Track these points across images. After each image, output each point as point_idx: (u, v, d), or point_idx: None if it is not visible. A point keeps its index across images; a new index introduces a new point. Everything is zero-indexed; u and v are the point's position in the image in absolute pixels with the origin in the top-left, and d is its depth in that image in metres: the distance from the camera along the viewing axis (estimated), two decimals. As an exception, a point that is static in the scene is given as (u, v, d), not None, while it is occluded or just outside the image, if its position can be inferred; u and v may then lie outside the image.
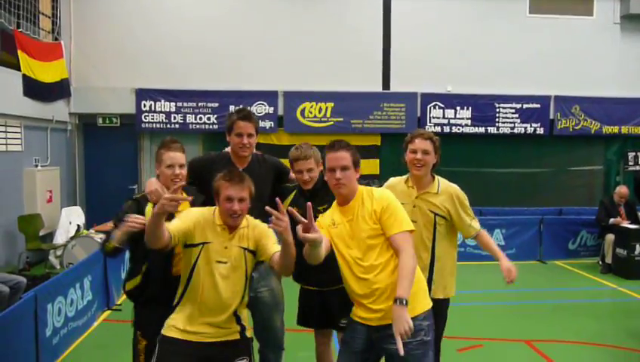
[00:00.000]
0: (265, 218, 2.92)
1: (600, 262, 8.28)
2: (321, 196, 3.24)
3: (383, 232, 2.60)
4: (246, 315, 2.86)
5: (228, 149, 3.39)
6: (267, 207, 2.43)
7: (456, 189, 3.19)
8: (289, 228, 2.43)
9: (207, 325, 2.67)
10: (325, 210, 3.00)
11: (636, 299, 6.74)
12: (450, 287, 3.24)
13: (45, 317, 4.37)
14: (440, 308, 3.06)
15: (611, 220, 8.14)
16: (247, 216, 2.76)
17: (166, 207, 2.40)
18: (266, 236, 2.74)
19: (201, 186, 3.15)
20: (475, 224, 3.22)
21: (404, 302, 2.40)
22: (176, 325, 2.68)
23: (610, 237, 8.05)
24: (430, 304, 2.69)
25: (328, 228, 2.72)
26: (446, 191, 3.15)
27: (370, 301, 2.60)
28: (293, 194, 3.36)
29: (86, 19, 9.57)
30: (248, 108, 8.45)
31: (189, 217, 2.67)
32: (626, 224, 8.02)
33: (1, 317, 3.73)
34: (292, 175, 3.40)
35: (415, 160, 3.06)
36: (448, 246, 3.20)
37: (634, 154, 10.56)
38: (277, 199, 2.46)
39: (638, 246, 7.68)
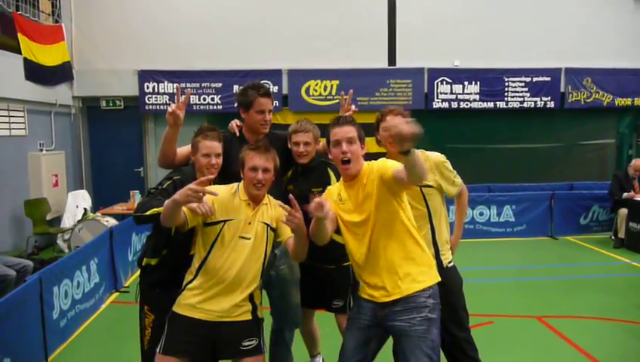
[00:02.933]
0: (279, 191, 2.94)
1: (612, 237, 8.15)
2: (316, 177, 3.28)
3: (386, 190, 2.53)
4: (259, 293, 2.80)
5: (232, 125, 3.32)
6: (279, 203, 2.62)
7: (436, 157, 3.08)
8: (303, 223, 2.47)
9: (222, 303, 2.62)
10: (320, 193, 2.95)
11: (650, 273, 6.65)
12: (448, 254, 3.14)
13: (51, 299, 4.36)
14: (451, 276, 3.03)
15: (625, 194, 8.00)
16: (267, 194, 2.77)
17: (190, 198, 2.38)
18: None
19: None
20: (458, 180, 3.17)
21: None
22: (189, 302, 2.64)
23: (623, 211, 7.91)
24: (436, 279, 2.61)
25: (335, 203, 2.69)
26: (427, 160, 2.98)
27: (373, 275, 2.58)
28: (291, 171, 3.37)
29: (86, 1, 9.44)
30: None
31: (210, 196, 2.60)
32: (639, 198, 7.87)
33: (7, 300, 3.71)
34: None
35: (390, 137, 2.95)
36: (441, 215, 3.10)
37: (647, 126, 10.34)
38: (291, 196, 2.47)
39: (651, 220, 7.56)
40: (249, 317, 2.68)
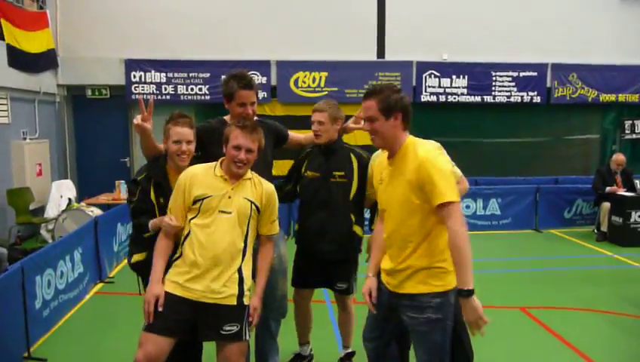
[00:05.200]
0: (268, 180, 2.93)
1: (595, 231, 8.28)
2: (337, 160, 3.40)
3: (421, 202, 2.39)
4: (251, 282, 2.79)
5: (227, 117, 3.29)
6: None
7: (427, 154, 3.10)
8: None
9: (205, 281, 2.60)
10: (342, 177, 3.25)
11: (631, 266, 6.75)
12: None
13: (34, 289, 4.30)
14: None
15: (608, 188, 8.11)
16: (254, 172, 2.78)
17: (168, 229, 2.70)
18: (271, 209, 2.80)
19: (204, 154, 3.07)
20: (457, 170, 3.24)
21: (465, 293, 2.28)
22: (175, 279, 2.64)
23: (606, 205, 8.02)
24: (448, 286, 2.45)
25: (377, 185, 2.68)
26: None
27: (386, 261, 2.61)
28: (307, 151, 3.55)
29: (71, -13, 9.30)
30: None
31: (189, 177, 2.69)
32: (622, 192, 8.00)
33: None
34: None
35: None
36: None
37: (630, 122, 10.46)
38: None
39: (633, 213, 7.68)
40: (234, 302, 2.65)
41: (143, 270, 2.97)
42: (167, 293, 2.63)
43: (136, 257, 3.00)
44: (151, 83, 9.35)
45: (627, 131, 10.49)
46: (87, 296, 5.50)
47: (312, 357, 3.87)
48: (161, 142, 3.01)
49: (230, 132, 2.67)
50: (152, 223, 2.87)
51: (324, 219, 3.39)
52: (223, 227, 2.63)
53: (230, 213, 2.65)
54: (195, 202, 2.65)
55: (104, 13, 9.31)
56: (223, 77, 8.94)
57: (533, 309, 5.08)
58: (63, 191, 8.33)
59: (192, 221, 2.67)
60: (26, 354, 4.04)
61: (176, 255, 2.71)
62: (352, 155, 3.42)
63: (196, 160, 2.97)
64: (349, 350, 3.79)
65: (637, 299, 5.44)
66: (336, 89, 9.61)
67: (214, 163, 2.76)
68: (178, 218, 2.68)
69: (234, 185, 2.68)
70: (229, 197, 2.66)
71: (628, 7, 10.24)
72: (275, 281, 3.27)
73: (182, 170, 2.82)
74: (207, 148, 3.05)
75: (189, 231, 2.67)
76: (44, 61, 8.72)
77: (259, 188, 2.75)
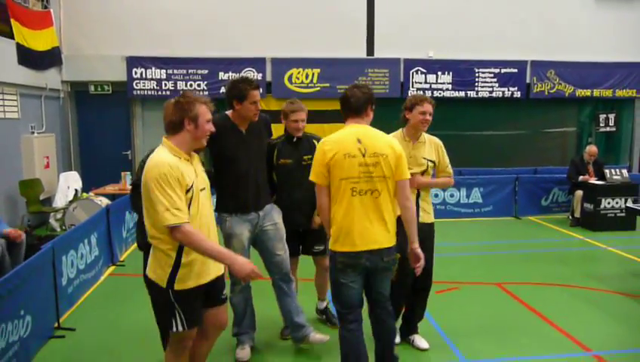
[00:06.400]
0: (263, 165, 3.71)
1: (570, 217, 8.89)
2: (304, 146, 4.09)
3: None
4: None
5: (229, 112, 3.75)
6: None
7: (438, 140, 4.01)
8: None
9: (209, 262, 2.75)
10: (309, 159, 3.61)
11: (599, 247, 7.37)
12: (431, 212, 3.95)
13: (61, 268, 4.78)
14: (429, 230, 3.86)
15: (580, 177, 8.71)
16: None
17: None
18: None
19: (210, 147, 3.42)
20: (450, 168, 4.02)
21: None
22: (194, 271, 2.72)
23: (579, 193, 8.64)
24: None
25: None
26: (430, 141, 3.95)
27: None
28: (272, 144, 4.07)
29: (74, -13, 9.68)
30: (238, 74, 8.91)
31: (176, 177, 2.61)
32: (593, 181, 8.60)
33: (27, 265, 4.09)
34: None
35: (425, 120, 3.79)
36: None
37: (605, 116, 11.09)
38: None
39: (603, 200, 8.29)
40: (222, 270, 2.93)
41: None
42: (189, 289, 2.71)
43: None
44: (151, 79, 9.78)
45: (602, 124, 11.13)
46: (102, 277, 5.99)
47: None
48: (161, 136, 3.25)
49: (199, 109, 2.70)
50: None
51: (299, 196, 4.02)
52: (206, 203, 2.78)
53: (204, 188, 2.79)
54: (187, 191, 2.65)
55: (106, 12, 9.72)
56: (221, 73, 9.52)
57: (508, 284, 5.67)
58: (70, 182, 8.79)
59: (189, 208, 2.66)
60: (56, 325, 4.53)
61: (176, 257, 2.70)
62: (313, 141, 4.07)
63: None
64: (325, 302, 4.55)
65: (600, 274, 6.07)
66: (328, 85, 10.11)
67: (163, 148, 2.71)
68: (185, 210, 2.61)
69: (192, 161, 2.77)
70: (197, 176, 2.74)
71: (603, 7, 10.85)
72: (273, 245, 3.82)
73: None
74: (215, 141, 3.34)
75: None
76: (50, 58, 9.11)
77: (199, 157, 2.90)
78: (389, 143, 3.13)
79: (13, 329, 3.69)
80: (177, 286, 2.69)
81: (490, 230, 8.64)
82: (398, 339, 4.02)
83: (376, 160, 3.04)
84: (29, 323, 3.93)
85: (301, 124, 4.04)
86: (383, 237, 3.08)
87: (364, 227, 3.03)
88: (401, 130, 3.93)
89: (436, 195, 9.06)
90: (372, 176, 3.04)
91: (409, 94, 10.25)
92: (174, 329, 2.75)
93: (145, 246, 3.26)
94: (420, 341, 4.13)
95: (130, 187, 3.36)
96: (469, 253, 7.23)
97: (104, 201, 7.71)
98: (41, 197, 8.35)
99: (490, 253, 7.21)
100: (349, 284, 3.10)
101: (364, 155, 3.04)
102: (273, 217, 3.84)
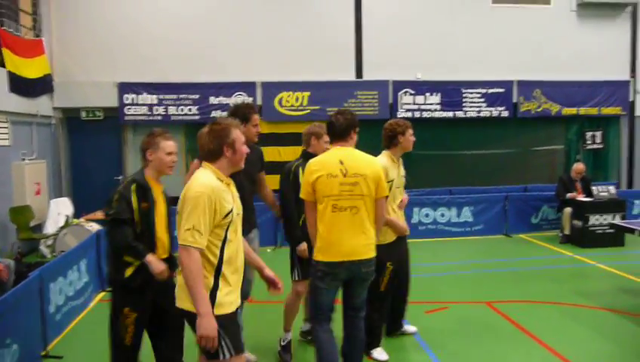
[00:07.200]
0: (252, 194, 3.62)
1: (560, 234, 8.94)
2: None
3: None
4: None
5: None
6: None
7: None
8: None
9: (239, 284, 2.82)
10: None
11: (588, 264, 7.42)
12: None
13: (49, 295, 4.76)
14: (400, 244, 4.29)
15: (568, 195, 8.80)
16: None
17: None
18: None
19: None
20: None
21: None
22: (230, 299, 2.73)
23: (567, 210, 8.71)
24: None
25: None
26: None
27: None
28: (296, 165, 4.18)
29: (66, 16, 9.79)
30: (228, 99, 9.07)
31: (214, 201, 2.63)
32: (581, 198, 8.69)
33: (11, 294, 4.09)
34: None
35: (414, 142, 4.30)
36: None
37: (591, 133, 11.25)
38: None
39: (591, 217, 8.36)
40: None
41: (132, 281, 3.21)
42: (230, 314, 2.69)
43: (128, 271, 3.21)
44: (143, 105, 9.87)
45: (589, 142, 11.28)
46: (92, 304, 5.97)
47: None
48: (140, 161, 3.42)
49: (234, 133, 2.74)
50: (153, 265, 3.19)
51: None
52: (239, 228, 2.84)
53: (239, 213, 2.82)
54: (226, 215, 2.65)
55: (97, 40, 9.84)
56: (212, 98, 9.61)
57: (497, 303, 5.68)
58: (61, 208, 8.76)
59: (227, 231, 2.68)
60: (43, 353, 4.50)
61: (214, 278, 2.69)
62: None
63: None
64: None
65: (589, 291, 6.10)
66: (317, 107, 10.23)
67: (208, 171, 2.73)
68: (206, 237, 2.60)
69: (230, 185, 2.81)
70: (234, 200, 2.77)
71: (586, 28, 11.10)
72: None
73: (159, 180, 3.33)
74: None
75: (224, 242, 2.69)
76: (41, 86, 9.19)
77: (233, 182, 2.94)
78: (370, 164, 3.42)
79: (0, 358, 3.67)
80: (222, 309, 2.66)
81: (481, 248, 8.67)
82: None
83: (355, 180, 3.34)
84: (15, 352, 3.90)
85: (328, 145, 4.02)
86: (363, 249, 3.38)
87: (344, 239, 3.34)
88: (387, 152, 4.22)
89: (427, 215, 9.13)
90: (352, 194, 3.34)
91: (398, 115, 10.41)
92: (221, 357, 2.65)
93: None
94: (381, 354, 4.30)
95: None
96: (459, 272, 7.24)
97: (95, 227, 7.70)
98: (32, 224, 8.33)
99: (479, 271, 7.23)
100: (326, 290, 3.44)
101: (345, 175, 3.34)
102: (254, 242, 3.93)
